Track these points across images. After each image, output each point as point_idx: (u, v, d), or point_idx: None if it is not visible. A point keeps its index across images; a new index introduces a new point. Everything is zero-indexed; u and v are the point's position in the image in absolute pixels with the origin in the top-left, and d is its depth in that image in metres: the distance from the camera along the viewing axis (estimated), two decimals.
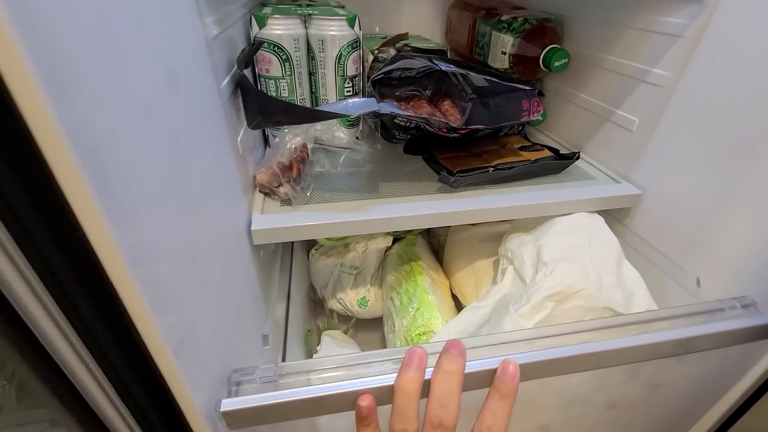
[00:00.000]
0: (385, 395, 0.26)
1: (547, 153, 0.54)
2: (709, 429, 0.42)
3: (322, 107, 0.46)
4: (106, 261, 0.17)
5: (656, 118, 0.47)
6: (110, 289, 0.18)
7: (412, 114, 0.45)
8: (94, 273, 0.17)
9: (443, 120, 0.46)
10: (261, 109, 0.40)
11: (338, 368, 0.29)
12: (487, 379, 0.27)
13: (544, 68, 0.57)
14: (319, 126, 0.56)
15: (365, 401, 0.25)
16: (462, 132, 0.48)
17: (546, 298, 0.42)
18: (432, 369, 0.26)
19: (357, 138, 0.60)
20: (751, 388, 0.37)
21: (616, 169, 0.54)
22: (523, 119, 0.51)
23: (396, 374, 0.26)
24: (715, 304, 0.35)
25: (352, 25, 0.52)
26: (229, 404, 0.26)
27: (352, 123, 0.59)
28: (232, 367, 0.30)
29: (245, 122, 0.43)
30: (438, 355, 0.26)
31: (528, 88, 0.52)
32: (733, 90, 0.39)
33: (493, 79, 0.50)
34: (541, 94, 0.53)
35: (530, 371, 0.28)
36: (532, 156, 0.53)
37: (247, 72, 0.47)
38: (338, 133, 0.57)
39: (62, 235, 0.17)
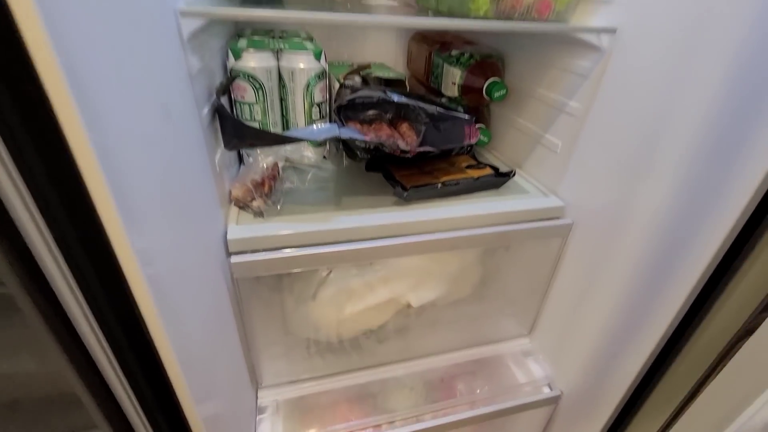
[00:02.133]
0: None
1: (489, 171, 0.63)
2: None
3: (290, 132, 0.53)
4: (123, 262, 0.23)
5: (573, 142, 0.56)
6: (124, 283, 0.24)
7: (369, 138, 0.52)
8: (113, 271, 0.23)
9: (396, 143, 0.54)
10: (236, 133, 0.47)
11: None
12: None
13: (487, 97, 0.66)
14: (288, 147, 0.62)
15: None
16: (413, 153, 0.56)
17: None
18: None
19: (324, 157, 0.67)
20: None
21: (546, 184, 0.63)
22: (465, 142, 0.59)
23: None
24: None
25: (318, 59, 0.59)
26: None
27: (319, 144, 0.66)
28: None
29: (222, 144, 0.49)
30: None
31: (467, 117, 0.60)
32: (625, 119, 0.49)
33: (439, 109, 0.58)
34: (477, 121, 0.62)
35: None
36: (476, 173, 0.61)
37: (224, 98, 0.53)
38: (306, 153, 0.64)
39: (88, 237, 0.22)
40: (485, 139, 0.72)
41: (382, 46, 0.90)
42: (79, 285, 0.23)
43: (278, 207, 0.53)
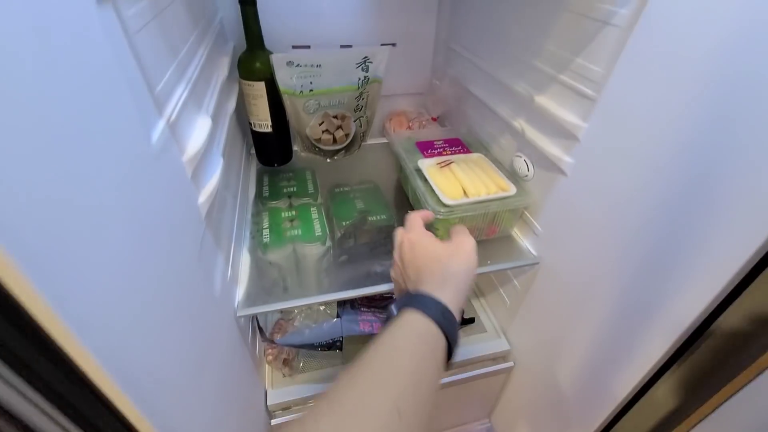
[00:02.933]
0: None
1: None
2: None
3: (303, 338, 0.72)
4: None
5: (522, 299, 0.75)
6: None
7: (366, 330, 0.71)
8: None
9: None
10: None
11: None
12: None
13: None
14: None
15: None
16: None
17: None
18: None
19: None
20: None
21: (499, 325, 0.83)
22: None
23: None
24: None
25: (324, 243, 0.76)
26: None
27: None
28: None
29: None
30: None
31: None
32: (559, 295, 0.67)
33: None
34: None
35: None
36: None
37: None
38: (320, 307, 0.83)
39: None
40: None
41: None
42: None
43: (300, 365, 0.74)
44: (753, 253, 0.34)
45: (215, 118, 0.53)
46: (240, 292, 0.58)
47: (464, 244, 0.44)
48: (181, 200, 0.39)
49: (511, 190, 0.63)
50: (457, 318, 0.39)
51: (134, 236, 0.28)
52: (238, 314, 0.55)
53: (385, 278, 0.62)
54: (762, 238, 0.33)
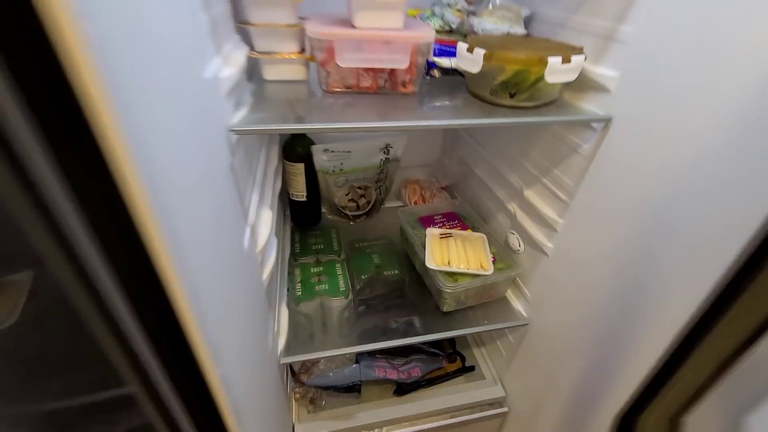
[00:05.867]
0: None
1: (459, 364, 0.94)
2: None
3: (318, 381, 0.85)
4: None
5: (515, 352, 0.87)
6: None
7: (381, 376, 0.84)
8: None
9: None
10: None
11: None
12: None
13: None
14: None
15: None
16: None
17: None
18: None
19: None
20: None
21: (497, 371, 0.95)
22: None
23: None
24: None
25: (347, 297, 0.90)
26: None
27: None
28: None
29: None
30: None
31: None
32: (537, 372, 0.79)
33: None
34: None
35: None
36: (450, 367, 0.93)
37: None
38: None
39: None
40: None
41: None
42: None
43: (323, 403, 0.86)
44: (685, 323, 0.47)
45: (272, 204, 0.68)
46: (281, 342, 0.72)
47: None
48: (254, 284, 0.53)
49: (489, 270, 0.75)
50: None
51: (228, 297, 0.42)
52: (281, 362, 0.68)
53: (399, 334, 0.75)
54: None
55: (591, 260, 0.60)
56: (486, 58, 0.51)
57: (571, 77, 0.51)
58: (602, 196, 0.56)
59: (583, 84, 0.56)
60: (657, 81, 0.46)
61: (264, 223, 0.60)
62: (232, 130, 0.44)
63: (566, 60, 0.49)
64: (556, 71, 0.49)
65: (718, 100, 0.40)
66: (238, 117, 0.46)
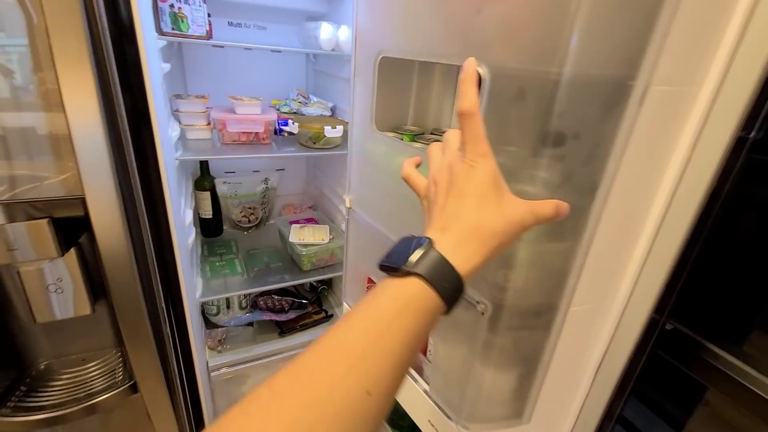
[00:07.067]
0: None
1: None
2: None
3: (226, 323, 1.30)
4: None
5: None
6: None
7: (273, 318, 1.31)
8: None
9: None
10: None
11: None
12: None
13: None
14: None
15: None
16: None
17: None
18: None
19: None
20: None
21: None
22: None
23: None
24: None
25: (242, 275, 1.37)
26: None
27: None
28: None
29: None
30: None
31: None
32: None
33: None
34: None
35: None
36: (317, 317, 1.43)
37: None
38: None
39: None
40: None
41: None
42: None
43: (227, 346, 1.29)
44: None
45: (190, 206, 1.17)
46: (199, 290, 1.16)
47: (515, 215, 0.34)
48: (187, 241, 1.02)
49: (326, 240, 1.32)
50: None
51: (183, 240, 0.92)
52: (198, 302, 1.14)
53: (276, 282, 1.25)
54: None
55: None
56: (300, 126, 1.12)
57: (339, 134, 1.14)
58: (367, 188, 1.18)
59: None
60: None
61: (188, 213, 1.09)
62: (177, 159, 0.96)
63: (334, 127, 1.12)
64: (330, 133, 1.12)
65: None
66: (178, 153, 0.98)
